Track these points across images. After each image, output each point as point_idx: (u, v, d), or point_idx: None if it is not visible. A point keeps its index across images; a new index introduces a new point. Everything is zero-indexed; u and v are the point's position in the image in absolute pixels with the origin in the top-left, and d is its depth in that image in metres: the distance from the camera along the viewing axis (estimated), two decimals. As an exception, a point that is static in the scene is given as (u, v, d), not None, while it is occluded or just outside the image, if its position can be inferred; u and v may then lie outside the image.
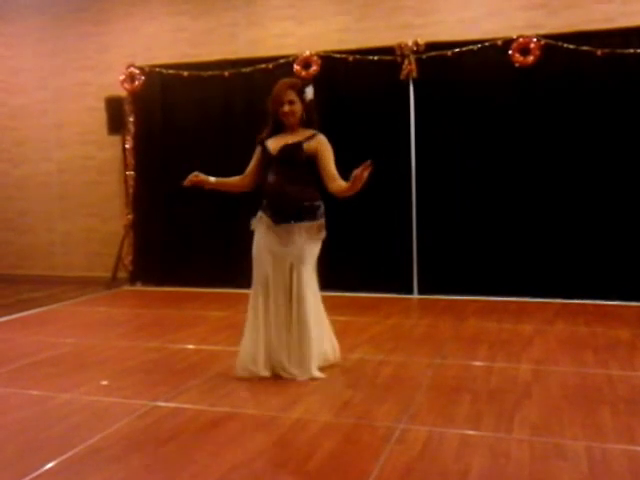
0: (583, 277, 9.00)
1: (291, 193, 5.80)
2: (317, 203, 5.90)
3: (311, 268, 5.93)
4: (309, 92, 5.93)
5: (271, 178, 5.90)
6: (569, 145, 9.00)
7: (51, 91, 12.27)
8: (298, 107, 5.88)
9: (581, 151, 8.96)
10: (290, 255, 5.81)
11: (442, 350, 6.75)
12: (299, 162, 5.81)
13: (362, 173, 5.37)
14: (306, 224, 5.80)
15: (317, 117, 6.05)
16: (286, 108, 5.84)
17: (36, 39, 12.28)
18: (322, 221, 5.91)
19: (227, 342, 7.10)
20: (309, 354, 5.83)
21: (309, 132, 5.92)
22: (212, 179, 6.21)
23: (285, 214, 5.80)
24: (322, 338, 6.03)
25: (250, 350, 5.92)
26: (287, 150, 5.82)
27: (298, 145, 5.82)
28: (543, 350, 6.69)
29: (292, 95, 5.85)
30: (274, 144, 5.91)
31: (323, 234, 5.92)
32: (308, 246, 5.83)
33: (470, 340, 7.14)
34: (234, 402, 5.36)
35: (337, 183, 5.74)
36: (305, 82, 6.33)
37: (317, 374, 5.85)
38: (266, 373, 5.88)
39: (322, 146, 5.85)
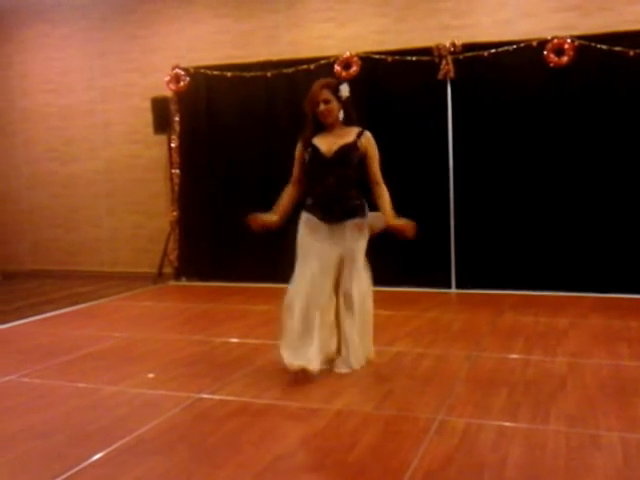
0: (617, 272, 8.96)
1: (346, 193, 5.77)
2: (364, 201, 5.87)
3: (363, 264, 5.90)
4: (344, 89, 5.80)
5: (324, 180, 5.78)
6: (602, 143, 8.96)
7: (99, 91, 12.37)
8: (334, 105, 5.75)
9: (614, 149, 8.92)
10: (343, 251, 5.76)
11: (479, 343, 6.75)
12: (353, 162, 5.77)
13: (404, 233, 5.67)
14: (357, 221, 5.77)
15: (355, 114, 5.94)
16: (322, 107, 5.72)
17: (84, 41, 12.39)
18: (367, 219, 5.89)
19: (270, 336, 7.10)
20: (370, 344, 6.01)
21: (356, 129, 5.84)
22: (275, 217, 5.98)
23: (339, 214, 5.75)
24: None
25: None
26: (344, 151, 5.73)
27: (354, 146, 5.75)
28: (578, 343, 6.67)
29: (327, 94, 5.73)
30: (325, 145, 5.78)
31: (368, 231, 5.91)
32: (358, 242, 5.79)
33: (507, 333, 7.14)
34: (277, 394, 5.38)
35: (379, 189, 5.82)
36: (340, 80, 6.27)
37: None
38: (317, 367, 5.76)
39: (370, 146, 5.82)
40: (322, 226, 5.78)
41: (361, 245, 5.84)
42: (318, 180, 5.84)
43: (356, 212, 5.79)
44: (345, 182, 5.77)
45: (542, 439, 4.31)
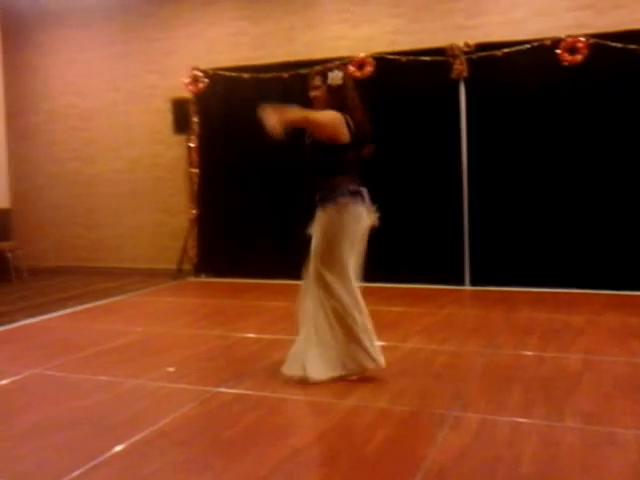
0: (631, 269, 8.89)
1: (316, 178, 5.48)
2: (333, 188, 5.35)
3: (323, 266, 5.39)
4: (332, 77, 5.45)
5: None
6: (616, 141, 8.88)
7: (121, 93, 12.36)
8: (321, 92, 5.49)
9: (628, 147, 8.84)
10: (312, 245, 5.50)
11: (494, 340, 6.68)
12: (313, 146, 5.47)
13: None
14: (326, 208, 5.36)
15: (347, 102, 5.45)
16: (311, 94, 5.59)
17: (105, 44, 12.39)
18: (343, 201, 5.33)
19: (286, 331, 7.04)
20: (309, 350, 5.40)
21: None
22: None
23: (316, 199, 5.48)
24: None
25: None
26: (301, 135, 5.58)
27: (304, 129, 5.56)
28: (593, 340, 6.59)
29: (318, 81, 5.50)
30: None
31: (348, 215, 5.35)
32: (319, 238, 5.41)
33: (521, 330, 7.06)
34: (293, 389, 5.32)
35: None
36: (335, 67, 5.94)
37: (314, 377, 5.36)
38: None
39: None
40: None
41: (322, 241, 5.42)
42: None
43: (324, 201, 5.41)
44: (315, 168, 5.52)
45: (557, 436, 4.23)
